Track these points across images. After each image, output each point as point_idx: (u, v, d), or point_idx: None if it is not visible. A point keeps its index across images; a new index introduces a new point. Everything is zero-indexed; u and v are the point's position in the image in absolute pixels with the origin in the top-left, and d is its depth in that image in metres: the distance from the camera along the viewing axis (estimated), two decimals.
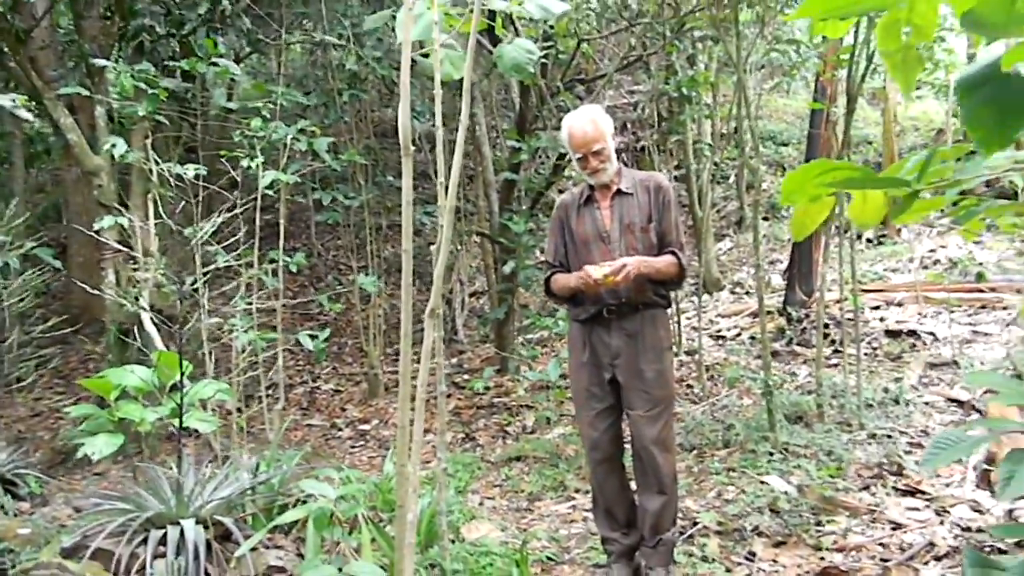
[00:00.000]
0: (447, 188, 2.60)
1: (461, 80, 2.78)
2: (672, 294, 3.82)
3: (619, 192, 3.50)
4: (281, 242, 4.85)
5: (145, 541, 3.23)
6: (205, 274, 4.24)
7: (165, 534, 3.21)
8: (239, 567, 3.28)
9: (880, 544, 3.62)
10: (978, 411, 5.32)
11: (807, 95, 15.39)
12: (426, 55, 2.80)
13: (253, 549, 3.27)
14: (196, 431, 4.41)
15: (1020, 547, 3.31)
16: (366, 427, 6.48)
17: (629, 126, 10.80)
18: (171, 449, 6.12)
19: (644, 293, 3.42)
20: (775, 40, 7.15)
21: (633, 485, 3.61)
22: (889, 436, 4.91)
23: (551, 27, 6.26)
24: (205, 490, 3.52)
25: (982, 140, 1.04)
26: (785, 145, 12.59)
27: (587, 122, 3.45)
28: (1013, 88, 0.97)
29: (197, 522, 3.26)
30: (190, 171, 4.34)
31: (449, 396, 6.82)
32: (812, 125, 7.40)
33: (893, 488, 4.21)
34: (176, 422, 3.65)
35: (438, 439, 3.41)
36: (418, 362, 2.66)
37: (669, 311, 3.65)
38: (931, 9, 1.08)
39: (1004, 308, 7.26)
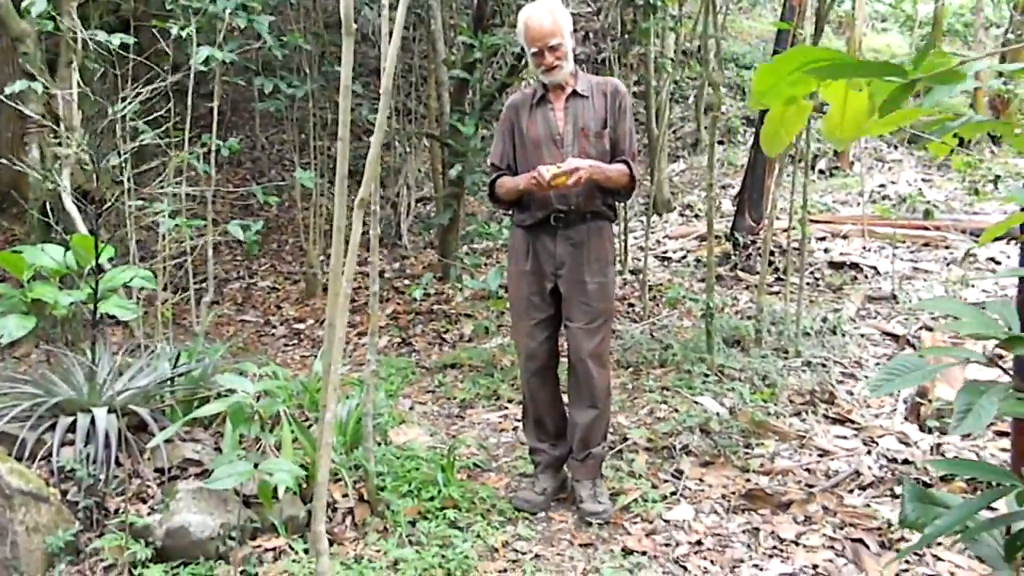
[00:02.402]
0: (385, 72, 2.40)
1: None
2: (619, 208, 3.70)
3: (574, 94, 3.33)
4: (215, 126, 4.58)
5: (53, 427, 3.08)
6: (128, 152, 3.98)
7: (75, 421, 3.06)
8: (153, 458, 3.15)
9: (806, 470, 3.64)
10: (911, 345, 5.38)
11: (772, 18, 15.15)
12: None
13: (168, 441, 3.14)
14: (118, 318, 4.22)
15: (944, 481, 3.34)
16: (301, 326, 6.32)
17: (591, 36, 10.49)
18: (84, 336, 5.91)
19: (592, 202, 3.30)
20: None
21: (565, 397, 3.55)
22: (823, 365, 4.93)
23: None
24: (121, 378, 3.36)
25: None
26: (748, 68, 12.40)
27: (544, 14, 3.25)
28: None
29: (110, 411, 3.11)
30: (115, 40, 4.03)
31: (388, 300, 6.68)
32: (778, 44, 7.25)
33: (823, 416, 4.23)
34: (92, 307, 3.46)
35: (370, 340, 3.29)
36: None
37: (614, 225, 3.53)
38: None
39: (947, 247, 7.32)
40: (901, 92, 1.07)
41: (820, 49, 1.05)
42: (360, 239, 2.35)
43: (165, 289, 4.36)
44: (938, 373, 4.00)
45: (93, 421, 3.05)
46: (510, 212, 3.55)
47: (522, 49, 6.52)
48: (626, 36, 7.57)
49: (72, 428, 3.06)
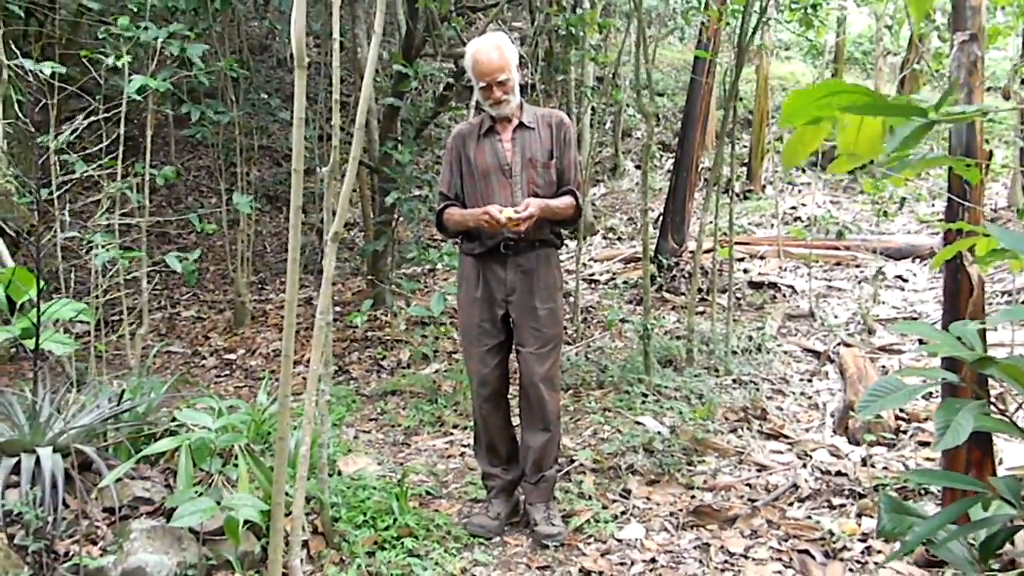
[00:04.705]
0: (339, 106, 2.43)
1: None
2: (564, 233, 3.81)
3: (521, 125, 3.42)
4: (148, 155, 4.50)
5: None
6: (63, 184, 3.88)
7: (18, 462, 2.96)
8: (101, 498, 3.07)
9: (748, 485, 3.78)
10: (832, 360, 5.63)
11: (681, 47, 15.66)
12: None
13: (117, 479, 3.06)
14: (45, 354, 4.09)
15: (875, 490, 3.52)
16: (232, 356, 6.21)
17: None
18: (13, 372, 5.67)
19: (541, 231, 3.40)
20: None
21: (515, 421, 3.61)
22: (753, 382, 5.12)
23: None
24: (63, 416, 3.26)
25: None
26: (661, 95, 12.77)
27: (492, 49, 3.33)
28: None
29: (55, 450, 3.02)
30: (47, 69, 3.94)
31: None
32: (695, 72, 7.55)
33: (758, 431, 4.40)
34: (28, 342, 3.35)
35: (323, 369, 3.28)
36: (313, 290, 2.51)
37: (561, 251, 3.63)
38: None
39: (857, 266, 7.69)
40: (922, 131, 1.18)
41: (850, 84, 1.17)
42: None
43: (98, 323, 4.25)
44: (860, 387, 4.19)
45: (38, 461, 2.96)
46: (458, 240, 3.61)
47: (452, 78, 6.60)
48: (548, 64, 7.75)
49: (16, 469, 2.96)
